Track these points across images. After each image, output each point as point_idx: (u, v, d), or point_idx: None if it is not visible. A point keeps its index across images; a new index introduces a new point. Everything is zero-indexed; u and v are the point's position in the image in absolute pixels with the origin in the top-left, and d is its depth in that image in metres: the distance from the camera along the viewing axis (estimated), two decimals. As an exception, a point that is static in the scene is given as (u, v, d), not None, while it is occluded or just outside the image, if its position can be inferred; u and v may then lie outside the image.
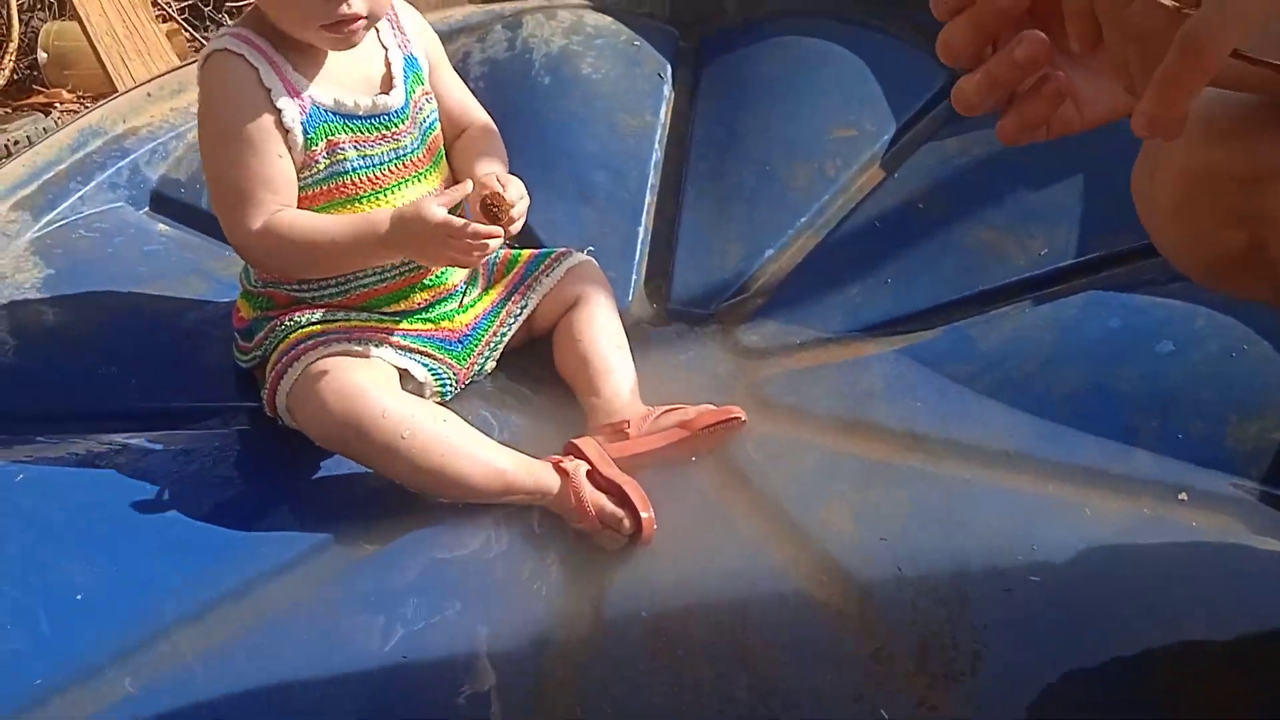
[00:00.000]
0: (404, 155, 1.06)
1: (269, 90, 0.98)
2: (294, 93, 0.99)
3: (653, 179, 1.38)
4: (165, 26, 2.29)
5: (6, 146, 2.18)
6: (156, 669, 0.82)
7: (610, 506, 0.96)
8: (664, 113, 1.44)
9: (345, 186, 1.03)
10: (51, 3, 2.74)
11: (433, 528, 0.97)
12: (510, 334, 1.15)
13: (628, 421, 1.04)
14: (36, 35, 2.64)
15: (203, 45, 2.65)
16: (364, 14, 0.97)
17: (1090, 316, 1.08)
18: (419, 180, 1.07)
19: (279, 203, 0.99)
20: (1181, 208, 0.69)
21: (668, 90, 1.46)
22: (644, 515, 0.95)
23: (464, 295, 1.14)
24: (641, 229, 1.33)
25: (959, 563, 0.90)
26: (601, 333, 1.13)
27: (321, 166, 1.02)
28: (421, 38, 1.10)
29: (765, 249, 1.27)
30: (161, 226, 1.29)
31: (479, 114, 1.15)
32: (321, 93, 1.01)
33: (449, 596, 0.91)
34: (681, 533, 0.96)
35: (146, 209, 1.32)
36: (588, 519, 0.95)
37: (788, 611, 0.88)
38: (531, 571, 0.94)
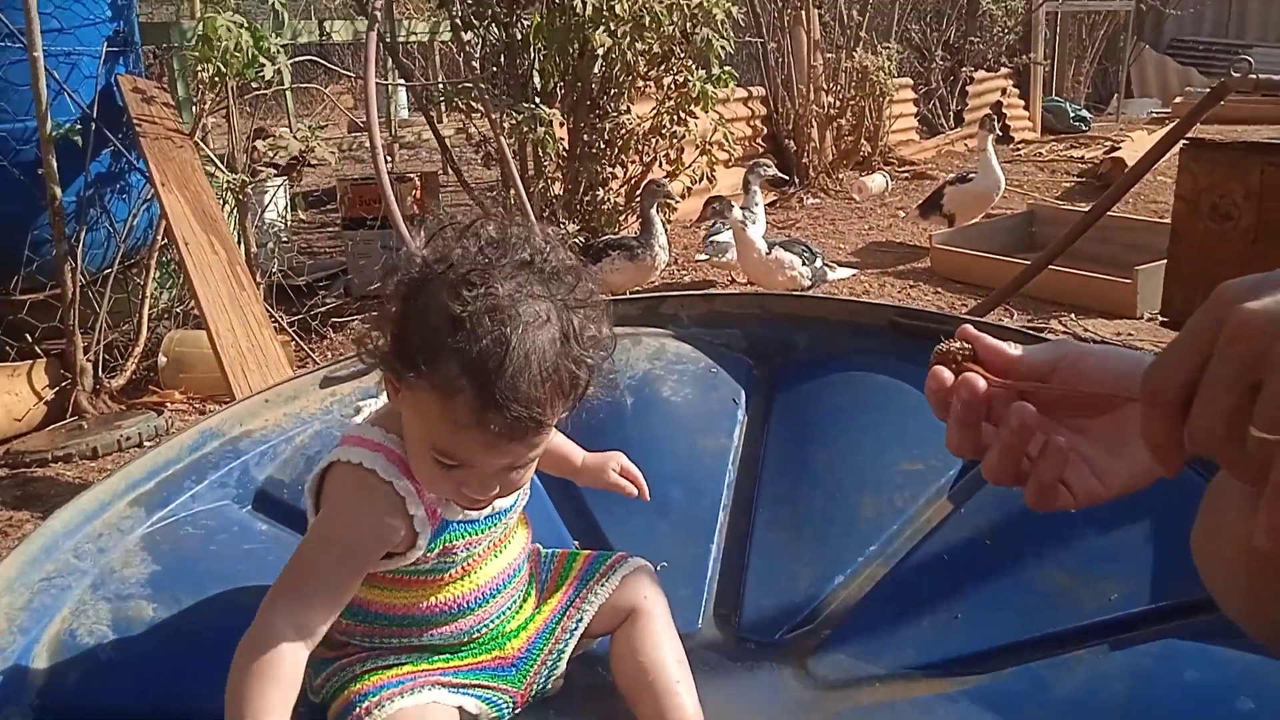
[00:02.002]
0: (498, 535, 1.10)
1: (413, 518, 1.00)
2: (432, 515, 1.02)
3: (725, 499, 1.44)
4: (280, 338, 2.51)
5: (119, 442, 2.35)
6: None
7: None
8: (738, 436, 1.53)
9: (443, 578, 1.07)
10: (178, 313, 3.04)
11: None
12: (567, 651, 1.15)
13: (695, 753, 1.03)
14: (159, 341, 2.91)
15: (309, 355, 2.89)
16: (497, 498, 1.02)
17: (1166, 667, 1.07)
18: (498, 555, 1.11)
19: (314, 633, 0.97)
20: (1244, 577, 0.71)
21: (742, 415, 1.55)
22: None
23: (516, 615, 1.15)
24: (714, 547, 1.38)
25: None
26: (660, 649, 1.13)
27: (430, 564, 1.05)
28: None
29: (835, 576, 1.30)
30: (262, 525, 1.36)
31: None
32: (454, 512, 1.04)
33: None
34: None
35: (249, 507, 1.40)
36: None
37: None
38: None
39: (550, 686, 1.15)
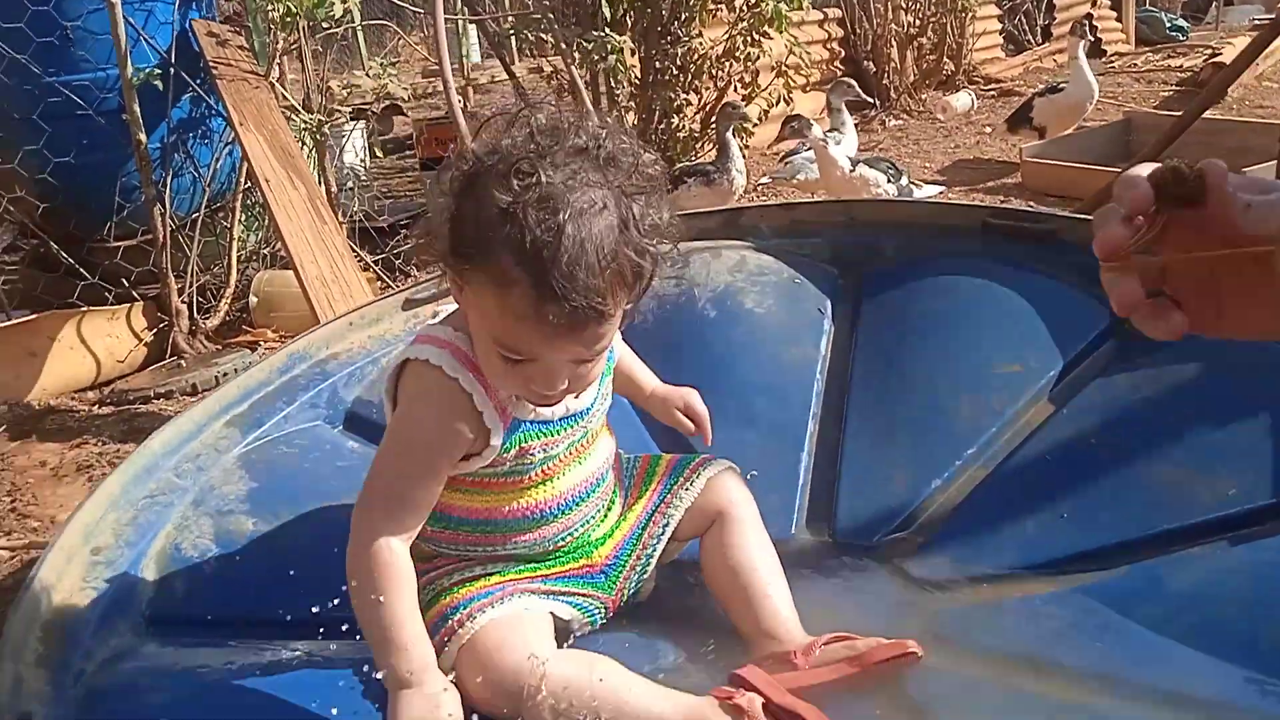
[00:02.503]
0: (577, 441, 1.08)
1: (481, 414, 0.99)
2: (503, 413, 1.01)
3: (815, 408, 1.41)
4: (365, 274, 2.54)
5: (216, 379, 2.41)
6: None
7: (794, 737, 0.92)
8: (825, 345, 1.49)
9: (522, 481, 1.05)
10: (265, 254, 3.10)
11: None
12: (655, 556, 1.14)
13: (794, 652, 1.02)
14: (249, 283, 2.97)
15: (393, 289, 2.92)
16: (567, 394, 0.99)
17: (1291, 561, 1.02)
18: (581, 463, 1.09)
19: (410, 530, 0.99)
20: None
21: (828, 325, 1.51)
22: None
23: (602, 523, 1.14)
24: (805, 455, 1.35)
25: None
26: (750, 552, 1.11)
27: (507, 466, 1.04)
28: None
29: (932, 480, 1.26)
30: (352, 444, 1.38)
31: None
32: (526, 410, 1.02)
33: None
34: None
35: (340, 427, 1.42)
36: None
37: None
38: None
39: (641, 592, 1.15)
